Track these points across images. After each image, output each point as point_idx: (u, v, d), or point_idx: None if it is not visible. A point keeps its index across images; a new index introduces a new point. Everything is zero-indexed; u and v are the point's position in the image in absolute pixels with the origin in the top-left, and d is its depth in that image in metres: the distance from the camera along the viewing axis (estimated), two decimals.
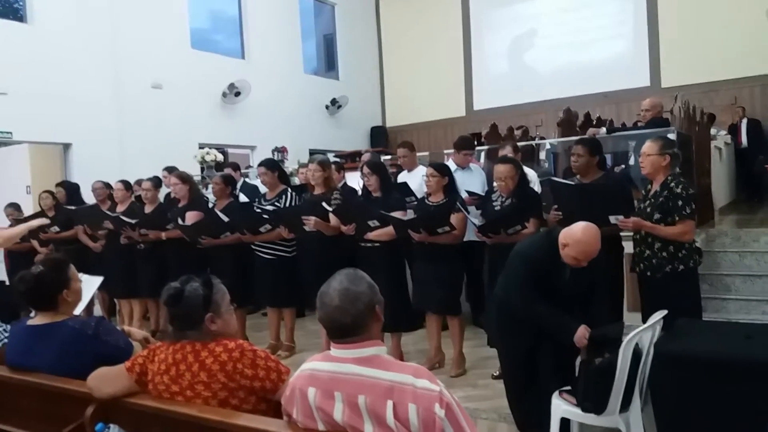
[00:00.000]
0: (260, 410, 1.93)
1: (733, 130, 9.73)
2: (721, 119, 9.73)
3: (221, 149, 9.65)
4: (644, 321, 3.19)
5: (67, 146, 8.34)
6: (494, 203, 4.22)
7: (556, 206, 3.90)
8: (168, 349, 1.99)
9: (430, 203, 4.34)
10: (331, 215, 4.51)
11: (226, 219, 4.88)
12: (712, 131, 8.24)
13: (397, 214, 4.20)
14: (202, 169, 8.65)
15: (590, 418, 2.78)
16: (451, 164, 5.05)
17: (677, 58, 10.52)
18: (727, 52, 9.94)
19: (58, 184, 6.78)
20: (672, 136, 4.91)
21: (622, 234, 3.84)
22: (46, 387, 2.21)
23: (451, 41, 12.84)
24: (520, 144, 6.00)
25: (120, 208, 5.82)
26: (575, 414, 2.83)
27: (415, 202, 4.64)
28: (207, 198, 5.97)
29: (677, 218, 3.36)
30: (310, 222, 4.51)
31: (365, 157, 6.61)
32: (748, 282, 5.30)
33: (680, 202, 3.35)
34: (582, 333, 2.86)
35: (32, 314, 2.44)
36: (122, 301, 6.19)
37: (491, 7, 12.57)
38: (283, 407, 1.79)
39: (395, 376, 1.61)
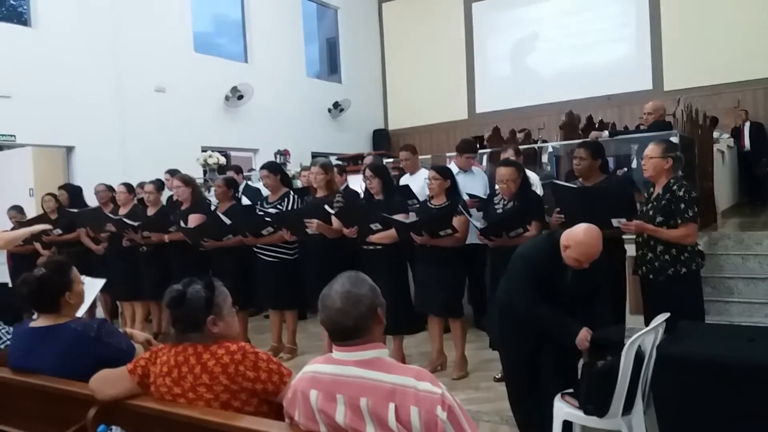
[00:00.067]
0: (262, 412, 1.93)
1: (736, 133, 9.73)
2: (724, 122, 9.72)
3: (224, 152, 9.66)
4: (647, 324, 3.18)
5: (70, 149, 8.38)
6: (496, 206, 4.22)
7: (558, 209, 3.90)
8: (170, 352, 1.99)
9: (433, 206, 4.34)
10: (333, 218, 4.51)
11: (228, 222, 4.89)
12: (715, 134, 8.25)
13: (399, 217, 4.20)
14: (205, 172, 8.67)
15: (593, 421, 2.77)
16: (453, 167, 5.05)
17: (680, 60, 10.49)
18: (730, 55, 9.91)
19: (60, 187, 6.77)
20: (674, 139, 4.91)
21: (624, 237, 3.83)
22: (48, 389, 2.21)
23: (453, 44, 12.84)
24: (522, 147, 6.02)
25: (122, 211, 5.82)
26: (577, 417, 2.82)
27: (417, 205, 4.64)
28: (209, 201, 5.97)
29: (680, 221, 3.35)
30: (313, 225, 4.52)
31: (367, 160, 6.62)
32: (751, 285, 5.30)
33: (683, 205, 3.34)
34: (584, 335, 2.86)
35: (35, 316, 2.44)
36: (125, 303, 6.19)
37: (493, 10, 12.57)
38: (285, 409, 1.79)
39: (397, 378, 1.61)
